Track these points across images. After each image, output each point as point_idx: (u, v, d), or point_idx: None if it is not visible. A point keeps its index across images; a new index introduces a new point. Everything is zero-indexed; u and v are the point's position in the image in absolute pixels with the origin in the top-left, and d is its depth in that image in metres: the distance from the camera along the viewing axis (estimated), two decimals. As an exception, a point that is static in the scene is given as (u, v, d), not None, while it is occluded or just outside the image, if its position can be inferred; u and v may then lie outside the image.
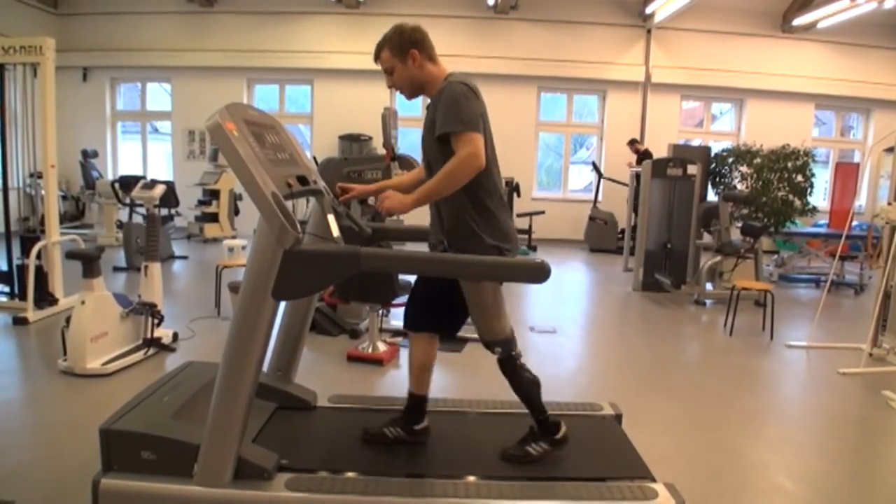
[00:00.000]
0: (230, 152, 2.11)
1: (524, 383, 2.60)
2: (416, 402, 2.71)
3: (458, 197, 2.40)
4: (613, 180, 10.72)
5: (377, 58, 2.54)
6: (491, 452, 2.62)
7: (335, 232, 2.44)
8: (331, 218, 2.49)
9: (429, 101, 2.51)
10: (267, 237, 2.13)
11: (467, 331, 2.84)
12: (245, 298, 2.20)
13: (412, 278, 2.83)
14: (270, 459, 2.33)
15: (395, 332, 4.95)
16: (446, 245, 2.51)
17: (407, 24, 2.52)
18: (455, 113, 2.31)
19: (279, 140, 2.53)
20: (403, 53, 2.47)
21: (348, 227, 2.66)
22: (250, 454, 2.30)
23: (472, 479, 2.41)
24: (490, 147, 2.46)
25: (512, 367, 2.59)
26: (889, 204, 5.04)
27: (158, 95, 11.80)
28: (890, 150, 5.77)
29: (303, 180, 2.45)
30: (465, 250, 2.41)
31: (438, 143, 2.38)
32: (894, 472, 3.24)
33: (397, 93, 2.61)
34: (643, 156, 9.66)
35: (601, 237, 10.59)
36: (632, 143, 10.45)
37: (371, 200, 5.08)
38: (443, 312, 2.63)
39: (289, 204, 2.24)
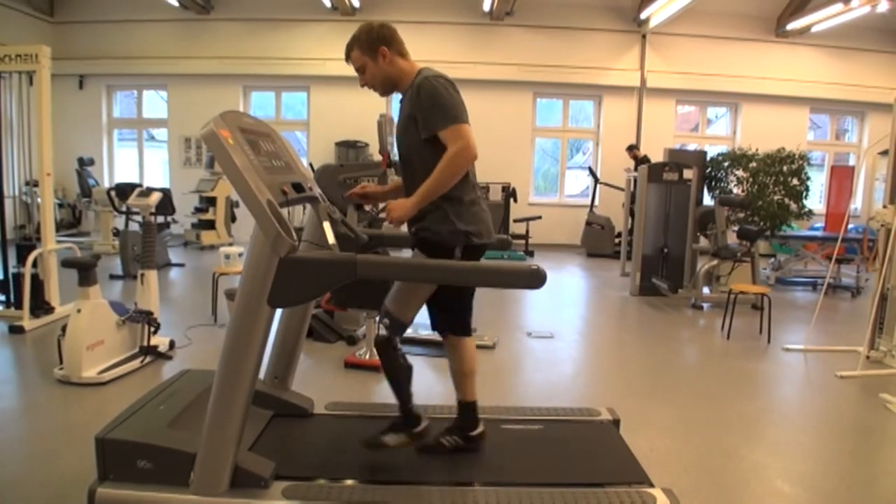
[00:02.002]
0: (225, 160, 2.11)
1: (394, 369, 2.60)
2: (471, 409, 2.71)
3: None
4: (610, 185, 10.74)
5: (348, 57, 2.56)
6: (490, 459, 2.62)
7: (331, 239, 2.44)
8: (326, 225, 2.49)
9: None
10: (262, 245, 2.13)
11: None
12: (241, 306, 2.20)
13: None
14: (267, 467, 2.32)
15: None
16: (415, 230, 2.54)
17: (375, 21, 2.54)
18: (439, 109, 2.33)
19: (274, 147, 2.53)
20: (373, 51, 2.49)
21: (345, 233, 2.66)
22: (247, 462, 2.29)
23: (470, 485, 2.40)
24: None
25: (388, 349, 2.59)
26: (884, 207, 5.05)
27: (155, 103, 11.81)
28: (885, 153, 5.78)
29: (298, 187, 2.45)
30: (436, 235, 2.44)
31: (417, 141, 2.40)
32: (892, 474, 3.23)
33: (383, 97, 2.63)
34: (642, 161, 9.66)
35: (598, 242, 10.60)
36: (630, 148, 10.46)
37: (368, 207, 5.10)
38: (460, 306, 2.66)
39: (285, 211, 2.24)
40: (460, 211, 2.46)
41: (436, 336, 2.74)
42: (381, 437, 2.61)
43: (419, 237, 2.54)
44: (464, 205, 2.47)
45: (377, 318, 2.60)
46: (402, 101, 2.53)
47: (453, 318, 2.68)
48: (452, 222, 2.44)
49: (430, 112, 2.33)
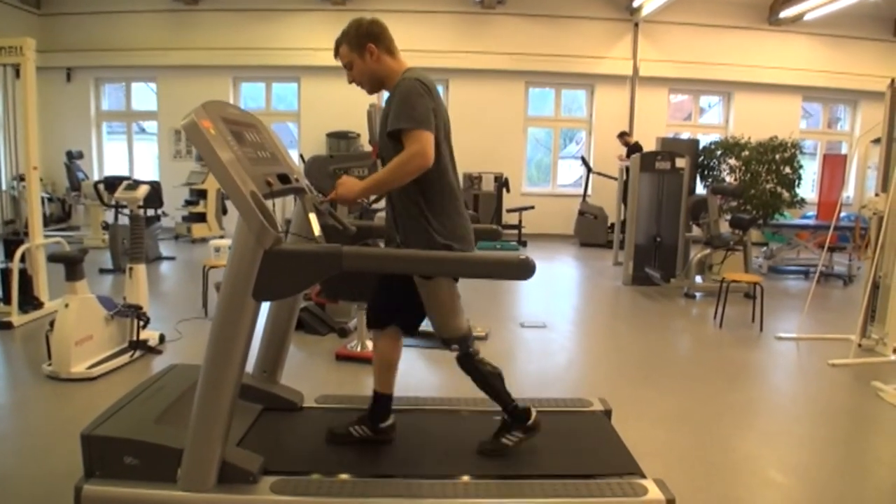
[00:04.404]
0: (207, 151, 2.08)
1: (486, 378, 2.58)
2: (384, 401, 2.68)
3: (410, 195, 2.40)
4: (603, 174, 10.72)
5: (337, 53, 2.52)
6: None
7: (316, 231, 2.41)
8: (312, 217, 2.45)
9: None
10: (246, 237, 2.09)
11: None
12: (225, 299, 2.17)
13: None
14: (255, 462, 2.29)
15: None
16: (399, 242, 2.51)
17: (365, 17, 2.50)
18: (406, 109, 2.29)
19: (260, 138, 2.49)
20: (361, 48, 2.45)
21: (332, 225, 2.63)
22: (235, 457, 2.27)
23: (461, 478, 2.39)
24: (446, 146, 2.45)
25: (470, 364, 2.57)
26: (877, 195, 5.04)
27: (144, 95, 11.70)
28: (877, 141, 5.78)
29: (284, 179, 2.42)
30: (416, 248, 2.41)
31: (390, 140, 2.36)
32: (884, 462, 3.23)
33: (370, 94, 2.60)
34: (633, 148, 9.66)
35: (591, 232, 10.60)
36: (621, 135, 10.44)
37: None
38: (403, 307, 2.61)
39: (272, 203, 2.21)
40: (438, 224, 2.42)
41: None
42: (499, 440, 2.59)
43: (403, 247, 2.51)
44: (442, 216, 2.43)
45: (448, 347, 2.56)
46: (387, 101, 2.49)
47: (374, 309, 2.67)
48: (431, 236, 2.41)
49: (398, 109, 2.30)
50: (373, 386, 2.70)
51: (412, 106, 2.29)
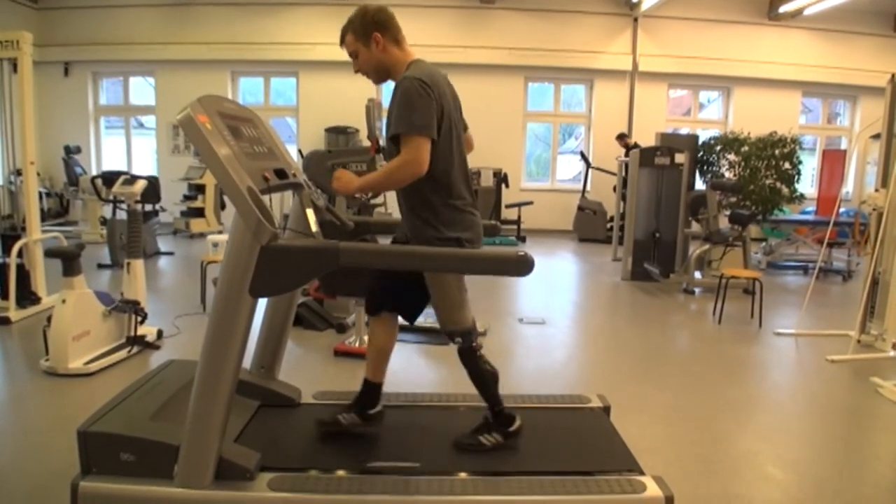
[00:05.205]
0: (203, 146, 2.06)
1: (483, 375, 2.57)
2: (373, 389, 2.67)
3: (417, 193, 2.39)
4: (602, 170, 10.70)
5: (342, 42, 2.48)
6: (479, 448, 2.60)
7: (314, 226, 2.40)
8: (309, 212, 2.44)
9: None
10: (243, 233, 2.08)
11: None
12: (222, 295, 2.15)
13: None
14: (252, 459, 2.28)
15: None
16: (408, 239, 2.50)
17: (371, 6, 2.44)
18: (404, 113, 2.26)
19: (257, 133, 2.48)
20: (367, 37, 2.41)
21: (330, 221, 2.61)
22: (232, 454, 2.26)
23: (458, 475, 2.38)
24: (455, 141, 2.42)
25: (472, 358, 2.55)
26: (876, 191, 5.03)
27: (142, 90, 11.66)
28: (876, 136, 5.77)
29: (281, 174, 2.40)
30: (425, 243, 2.40)
31: (391, 141, 2.34)
32: (882, 458, 3.23)
33: (376, 84, 2.57)
34: (632, 150, 9.62)
35: (590, 227, 10.58)
36: (620, 137, 10.37)
37: (359, 195, 5.04)
38: (402, 293, 2.59)
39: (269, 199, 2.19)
40: (443, 217, 2.40)
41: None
42: (477, 437, 2.58)
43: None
44: (446, 210, 2.40)
45: (451, 340, 2.54)
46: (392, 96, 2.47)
47: (372, 295, 2.65)
48: (436, 229, 2.39)
49: (398, 112, 2.27)
50: (365, 374, 2.69)
51: (411, 109, 2.24)
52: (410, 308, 2.66)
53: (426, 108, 2.26)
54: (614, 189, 9.86)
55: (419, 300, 2.60)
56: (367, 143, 5.03)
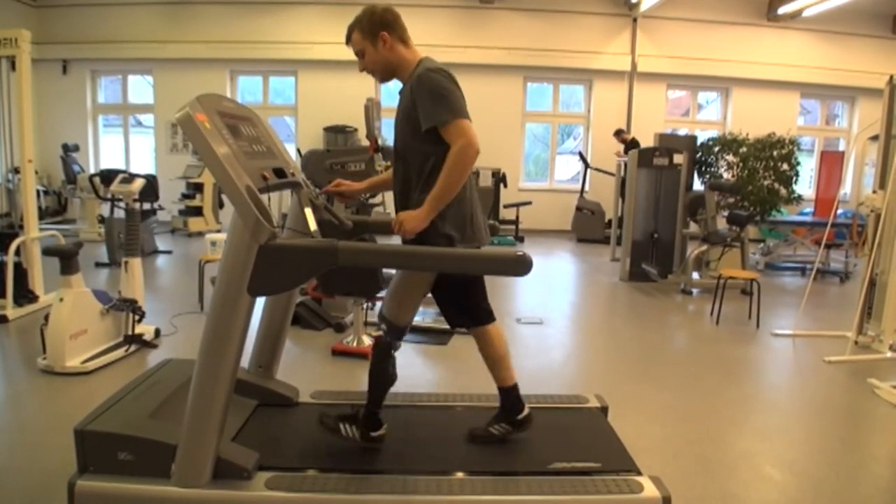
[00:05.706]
0: (201, 145, 2.06)
1: (383, 374, 2.56)
2: (511, 392, 2.69)
3: (425, 186, 2.36)
4: (600, 170, 10.70)
5: (348, 40, 2.48)
6: (477, 448, 2.60)
7: (312, 226, 2.39)
8: (308, 211, 2.44)
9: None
10: (241, 232, 2.08)
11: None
12: (220, 295, 2.15)
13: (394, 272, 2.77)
14: (250, 458, 2.28)
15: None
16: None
17: (379, 5, 2.45)
18: (441, 103, 2.26)
19: (256, 132, 2.47)
20: (374, 36, 2.41)
21: (328, 220, 2.61)
22: (229, 453, 2.26)
23: (456, 474, 2.38)
24: None
25: (384, 353, 2.55)
26: (874, 192, 5.04)
27: (141, 88, 11.64)
28: (875, 138, 5.77)
29: (280, 173, 2.40)
30: (420, 237, 2.36)
31: (415, 133, 2.32)
32: (879, 459, 3.24)
33: (381, 84, 2.56)
34: (630, 145, 9.64)
35: (588, 227, 10.58)
36: (618, 133, 10.41)
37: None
38: (460, 300, 2.64)
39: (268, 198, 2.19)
40: (446, 213, 2.37)
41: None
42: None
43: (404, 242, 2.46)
44: (450, 208, 2.37)
45: (378, 325, 2.54)
46: (401, 93, 2.45)
47: (466, 310, 2.66)
48: (434, 225, 2.36)
49: (432, 104, 2.27)
50: (496, 384, 2.72)
51: (446, 97, 2.27)
52: (475, 314, 2.70)
53: (457, 95, 2.31)
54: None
55: (478, 302, 2.66)
56: (365, 143, 5.04)
